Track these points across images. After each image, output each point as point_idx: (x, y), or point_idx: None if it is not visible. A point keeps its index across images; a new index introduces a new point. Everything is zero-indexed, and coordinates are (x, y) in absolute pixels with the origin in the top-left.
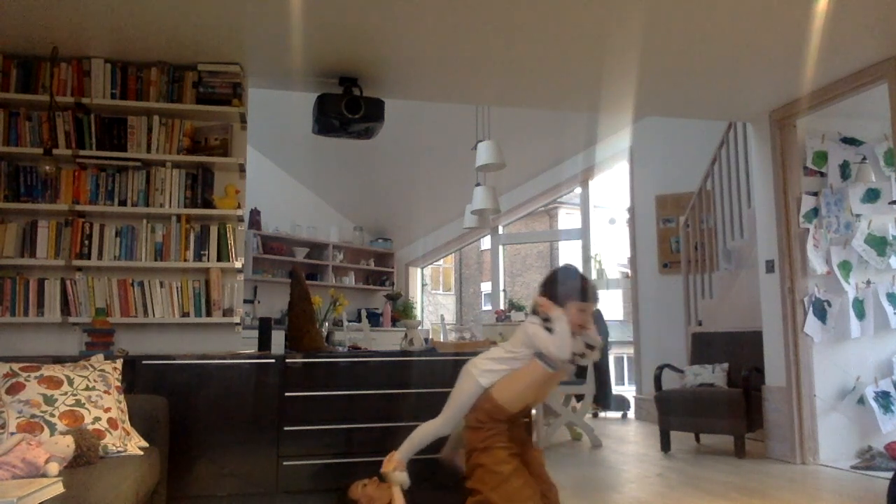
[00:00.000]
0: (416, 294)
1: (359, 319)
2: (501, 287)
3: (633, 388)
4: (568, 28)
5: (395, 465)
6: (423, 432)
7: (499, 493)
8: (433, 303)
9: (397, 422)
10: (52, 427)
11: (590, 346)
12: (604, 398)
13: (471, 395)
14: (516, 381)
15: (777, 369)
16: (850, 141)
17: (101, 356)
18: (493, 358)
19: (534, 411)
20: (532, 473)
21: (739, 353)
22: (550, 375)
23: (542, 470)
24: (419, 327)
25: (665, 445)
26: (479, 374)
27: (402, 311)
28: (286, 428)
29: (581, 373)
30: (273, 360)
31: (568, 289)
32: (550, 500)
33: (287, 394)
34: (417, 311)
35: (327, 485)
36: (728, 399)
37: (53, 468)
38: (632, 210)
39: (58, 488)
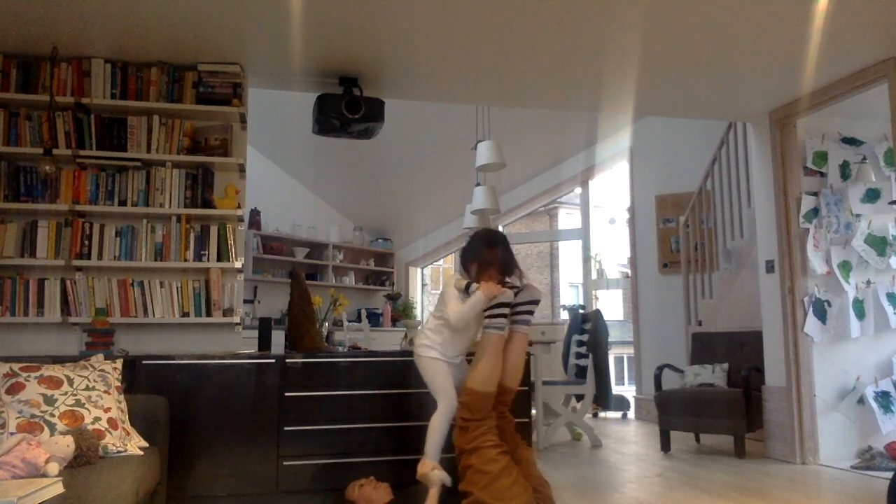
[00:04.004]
0: (416, 294)
1: (359, 319)
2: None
3: (633, 388)
4: (568, 28)
5: (433, 466)
6: (437, 424)
7: (489, 492)
8: (433, 303)
9: (397, 422)
10: (52, 427)
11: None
12: (604, 398)
13: (438, 372)
14: (478, 360)
15: (777, 369)
16: (850, 141)
17: (101, 356)
18: (426, 332)
19: (533, 411)
20: (523, 471)
21: (739, 353)
22: (500, 337)
23: (533, 467)
24: (419, 327)
25: (665, 445)
26: (423, 350)
27: (402, 311)
28: (286, 428)
29: (581, 373)
30: (273, 360)
31: (485, 258)
32: (544, 496)
33: (287, 394)
34: (417, 311)
35: (327, 485)
36: (728, 399)
37: (53, 468)
38: (632, 210)
39: (58, 488)
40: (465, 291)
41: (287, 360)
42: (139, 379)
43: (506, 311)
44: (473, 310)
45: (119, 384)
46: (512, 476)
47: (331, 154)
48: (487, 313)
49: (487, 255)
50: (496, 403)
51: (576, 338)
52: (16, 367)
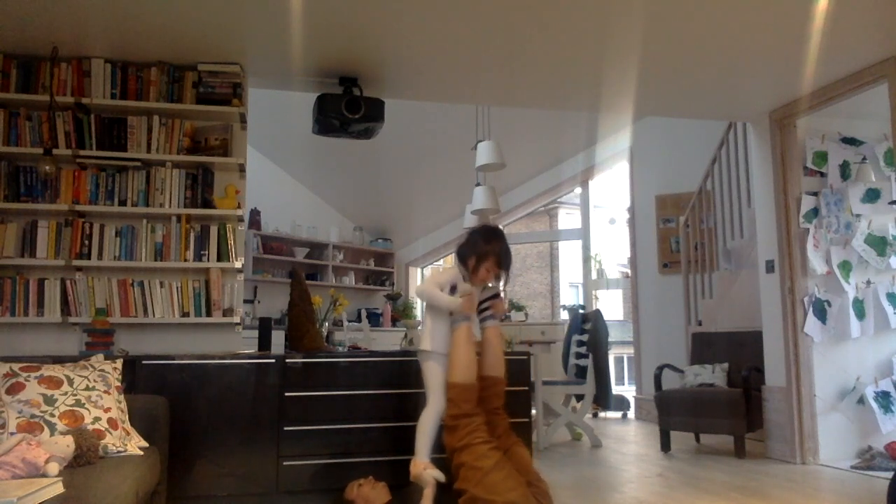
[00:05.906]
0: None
1: (359, 319)
2: (501, 287)
3: (633, 388)
4: (568, 28)
5: (424, 465)
6: (425, 421)
7: (482, 488)
8: None
9: (397, 422)
10: (52, 427)
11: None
12: (604, 398)
13: (434, 373)
14: (452, 353)
15: (777, 369)
16: (850, 141)
17: (101, 356)
18: (426, 325)
19: (533, 411)
20: (518, 467)
21: (739, 353)
22: (468, 327)
23: (528, 464)
24: (419, 327)
25: (665, 445)
26: (423, 343)
27: (402, 311)
28: (286, 428)
29: (581, 373)
30: (273, 360)
31: (482, 251)
32: (540, 490)
33: (287, 394)
34: (417, 312)
35: (327, 485)
36: (728, 399)
37: (53, 468)
38: (632, 210)
39: (58, 488)
40: (451, 291)
41: (287, 360)
42: (139, 379)
43: None
44: (442, 302)
45: (119, 384)
46: (504, 470)
47: (331, 154)
48: None
49: (485, 249)
50: (489, 396)
51: (576, 338)
52: (16, 367)
